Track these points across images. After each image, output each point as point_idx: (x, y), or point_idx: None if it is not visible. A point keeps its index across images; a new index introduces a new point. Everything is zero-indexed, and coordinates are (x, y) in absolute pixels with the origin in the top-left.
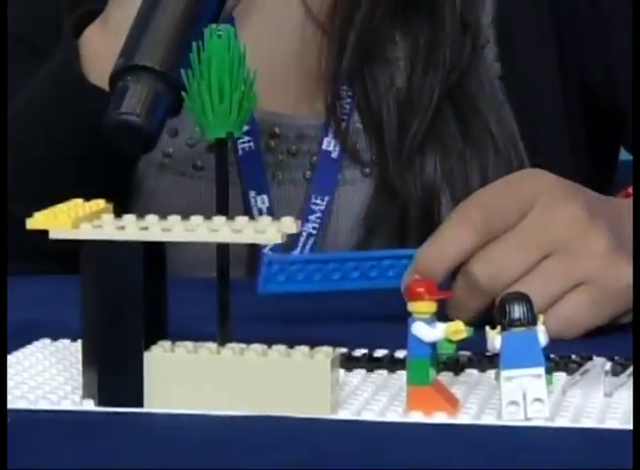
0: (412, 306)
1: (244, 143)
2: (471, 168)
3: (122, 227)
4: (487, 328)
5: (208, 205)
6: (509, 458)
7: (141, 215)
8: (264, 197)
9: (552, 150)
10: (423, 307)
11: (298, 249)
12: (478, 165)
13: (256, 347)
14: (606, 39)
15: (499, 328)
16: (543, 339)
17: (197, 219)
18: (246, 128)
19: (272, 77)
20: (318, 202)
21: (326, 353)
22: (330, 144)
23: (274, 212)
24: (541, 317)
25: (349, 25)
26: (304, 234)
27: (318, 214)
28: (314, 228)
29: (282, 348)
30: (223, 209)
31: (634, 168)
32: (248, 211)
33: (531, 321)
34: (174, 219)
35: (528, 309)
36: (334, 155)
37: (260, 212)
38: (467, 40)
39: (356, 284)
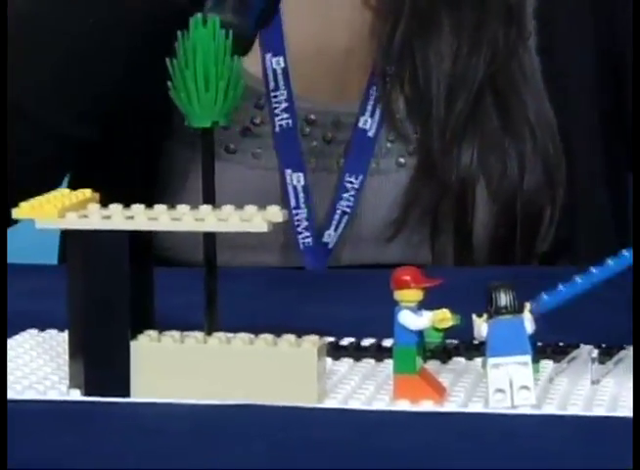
0: (398, 295)
1: (282, 120)
2: (509, 158)
3: (108, 217)
4: (474, 316)
5: (241, 188)
6: (495, 446)
7: (127, 205)
8: (300, 175)
9: (587, 144)
10: (409, 296)
11: (332, 227)
12: (516, 155)
13: (243, 336)
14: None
15: (486, 316)
16: (529, 327)
17: (183, 208)
18: (284, 105)
19: (311, 62)
20: (352, 180)
21: (312, 342)
22: (366, 123)
23: (309, 191)
24: (527, 305)
25: (402, 3)
26: (338, 212)
27: (352, 193)
28: (348, 207)
29: (269, 337)
30: (210, 197)
31: (634, 169)
32: (284, 189)
33: (518, 309)
34: (160, 208)
35: (515, 297)
36: (370, 133)
37: (296, 190)
38: (512, 27)
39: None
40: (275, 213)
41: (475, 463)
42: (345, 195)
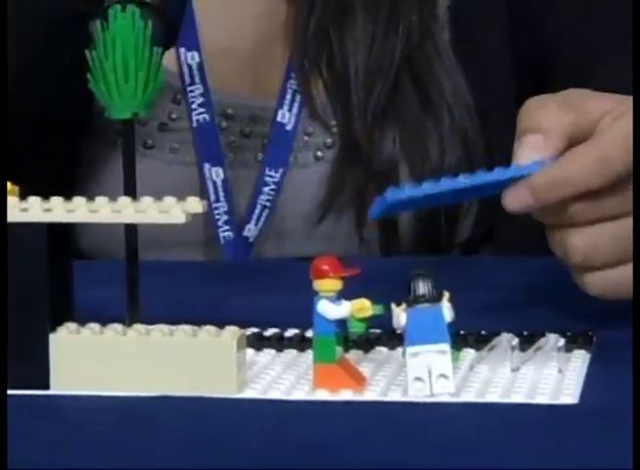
0: (317, 285)
1: (199, 115)
2: (429, 139)
3: (25, 209)
4: (393, 305)
5: (159, 184)
6: (414, 434)
7: (46, 198)
8: (219, 169)
9: (504, 120)
10: (328, 285)
11: (253, 221)
12: (436, 136)
13: (162, 327)
14: (549, 8)
15: (405, 305)
16: (448, 315)
17: (101, 200)
18: (201, 100)
19: (227, 57)
20: (272, 174)
21: (232, 333)
22: (284, 116)
23: (229, 185)
24: (446, 294)
25: None
26: (259, 206)
27: (272, 187)
28: (268, 201)
29: (188, 328)
30: (131, 190)
31: (634, 163)
32: (202, 184)
33: (436, 298)
34: (79, 201)
35: (433, 286)
36: (288, 127)
37: (215, 185)
38: (425, 8)
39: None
40: (194, 205)
41: (393, 452)
42: (266, 189)
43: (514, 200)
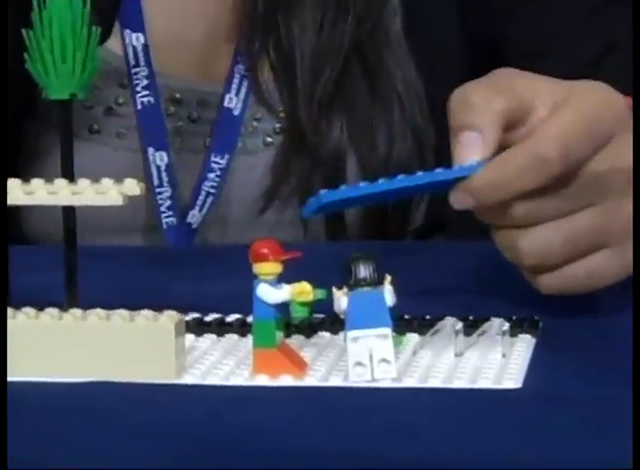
0: (257, 268)
1: (143, 97)
2: (378, 129)
3: None
4: (334, 289)
5: (105, 169)
6: (355, 420)
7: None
8: (163, 153)
9: None
10: (267, 269)
11: (197, 207)
12: (384, 126)
13: (99, 311)
14: None
15: (346, 289)
16: (390, 299)
17: (37, 182)
18: (146, 82)
19: (175, 41)
20: (218, 160)
21: (170, 318)
22: (232, 101)
23: (173, 170)
24: (388, 277)
25: None
26: (203, 192)
27: (218, 173)
28: (213, 187)
29: (125, 313)
30: (68, 171)
31: (634, 168)
32: (146, 169)
33: (377, 281)
34: (14, 183)
35: (375, 269)
36: (235, 112)
37: (159, 169)
38: None
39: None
40: (131, 187)
41: (333, 438)
42: (211, 175)
43: (457, 201)
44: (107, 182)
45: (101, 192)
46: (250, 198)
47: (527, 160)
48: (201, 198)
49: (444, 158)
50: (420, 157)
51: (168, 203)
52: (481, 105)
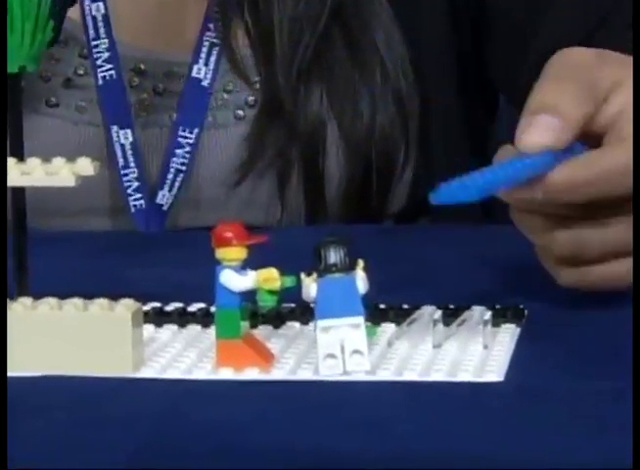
0: (220, 253)
1: (104, 71)
2: (359, 97)
3: None
4: (303, 275)
5: (64, 146)
6: (325, 415)
7: None
8: (128, 131)
9: (441, 75)
10: (232, 254)
11: (166, 187)
12: (367, 93)
13: (51, 300)
14: None
15: (315, 275)
16: (362, 286)
17: None
18: (107, 55)
19: (138, 8)
20: (187, 134)
21: (127, 306)
22: (200, 71)
23: (139, 149)
24: (361, 262)
25: None
26: (172, 170)
27: (187, 149)
28: (183, 164)
29: (79, 301)
30: (17, 150)
31: (634, 167)
32: (110, 148)
33: (349, 266)
34: None
35: (346, 254)
36: (204, 83)
37: (123, 148)
38: None
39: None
40: (85, 166)
41: (301, 434)
42: (179, 151)
43: (520, 196)
44: (58, 161)
45: (51, 172)
46: (222, 175)
47: (618, 167)
48: (170, 176)
49: (430, 126)
50: (403, 124)
51: (136, 184)
52: (571, 98)
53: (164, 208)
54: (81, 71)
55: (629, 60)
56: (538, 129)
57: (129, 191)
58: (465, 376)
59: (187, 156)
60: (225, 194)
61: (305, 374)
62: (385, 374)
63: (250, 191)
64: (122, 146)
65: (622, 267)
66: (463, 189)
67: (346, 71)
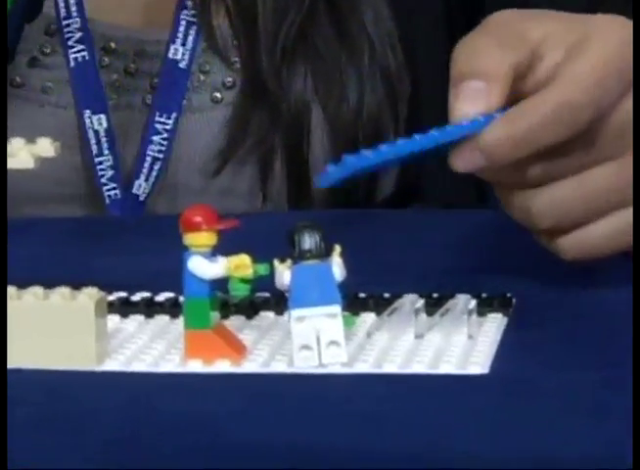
0: (188, 239)
1: (77, 52)
2: (346, 77)
3: None
4: (276, 262)
5: (30, 129)
6: (299, 409)
7: None
8: (102, 116)
9: (432, 54)
10: (201, 240)
11: (142, 176)
12: (354, 73)
13: (10, 289)
14: None
15: (289, 261)
16: (339, 273)
17: None
18: (79, 35)
19: None
20: (164, 120)
21: (90, 296)
22: (177, 52)
23: (114, 135)
24: (337, 248)
25: None
26: (149, 158)
27: (164, 135)
28: (160, 151)
29: (39, 289)
30: None
31: (634, 166)
32: (83, 134)
33: (325, 252)
34: None
35: (322, 239)
36: (182, 64)
37: (97, 135)
38: None
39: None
40: (44, 147)
41: (273, 429)
42: (156, 138)
43: (462, 162)
44: (17, 142)
45: (10, 154)
46: (200, 162)
47: (552, 108)
48: (146, 165)
49: (421, 109)
50: (393, 108)
51: (110, 173)
52: (491, 55)
53: (141, 198)
54: (47, 50)
55: (565, 15)
56: (466, 98)
57: (103, 180)
58: (447, 368)
59: (164, 142)
60: (204, 183)
61: (279, 366)
62: (363, 366)
63: (230, 179)
64: (96, 132)
65: (621, 220)
66: (343, 165)
67: (333, 51)
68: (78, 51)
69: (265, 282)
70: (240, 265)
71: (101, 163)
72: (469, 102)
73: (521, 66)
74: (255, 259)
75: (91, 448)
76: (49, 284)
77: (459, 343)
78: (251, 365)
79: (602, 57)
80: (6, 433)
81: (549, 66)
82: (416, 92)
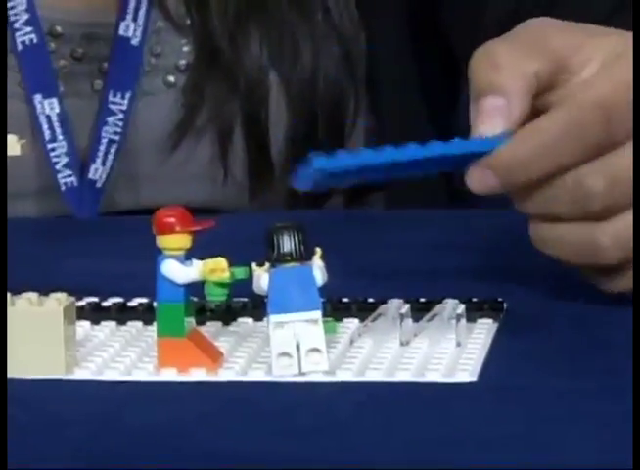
0: (161, 241)
1: (24, 36)
2: (300, 40)
3: None
4: (254, 265)
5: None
6: (278, 419)
7: None
8: (53, 100)
9: (389, 10)
10: (174, 242)
11: (99, 160)
12: (307, 35)
13: None
14: None
15: (267, 265)
16: (320, 277)
17: None
18: (26, 17)
19: None
20: (118, 100)
21: (59, 301)
22: (128, 29)
23: (67, 119)
24: (318, 251)
25: None
26: (104, 141)
27: (119, 116)
28: (116, 133)
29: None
30: None
31: (634, 165)
32: (34, 120)
33: (305, 256)
34: None
35: (302, 241)
36: (134, 41)
37: (50, 120)
38: None
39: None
40: (10, 145)
41: (252, 440)
42: (111, 119)
43: (476, 181)
44: None
45: None
46: (156, 144)
47: (565, 127)
48: (101, 148)
49: (379, 74)
50: (350, 72)
51: (65, 160)
52: (510, 67)
53: (98, 184)
54: None
55: (601, 30)
56: (488, 116)
57: (58, 167)
58: (434, 376)
59: (120, 124)
60: (162, 161)
61: (257, 375)
62: (345, 375)
63: (188, 156)
64: (48, 117)
65: None
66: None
67: (285, 13)
68: (25, 34)
69: (243, 286)
70: (216, 269)
71: (54, 149)
72: (489, 120)
73: (543, 76)
74: (232, 263)
75: (59, 461)
76: (14, 289)
77: (446, 350)
78: (227, 373)
79: (621, 76)
80: (6, 433)
81: (580, 83)
82: (373, 51)
